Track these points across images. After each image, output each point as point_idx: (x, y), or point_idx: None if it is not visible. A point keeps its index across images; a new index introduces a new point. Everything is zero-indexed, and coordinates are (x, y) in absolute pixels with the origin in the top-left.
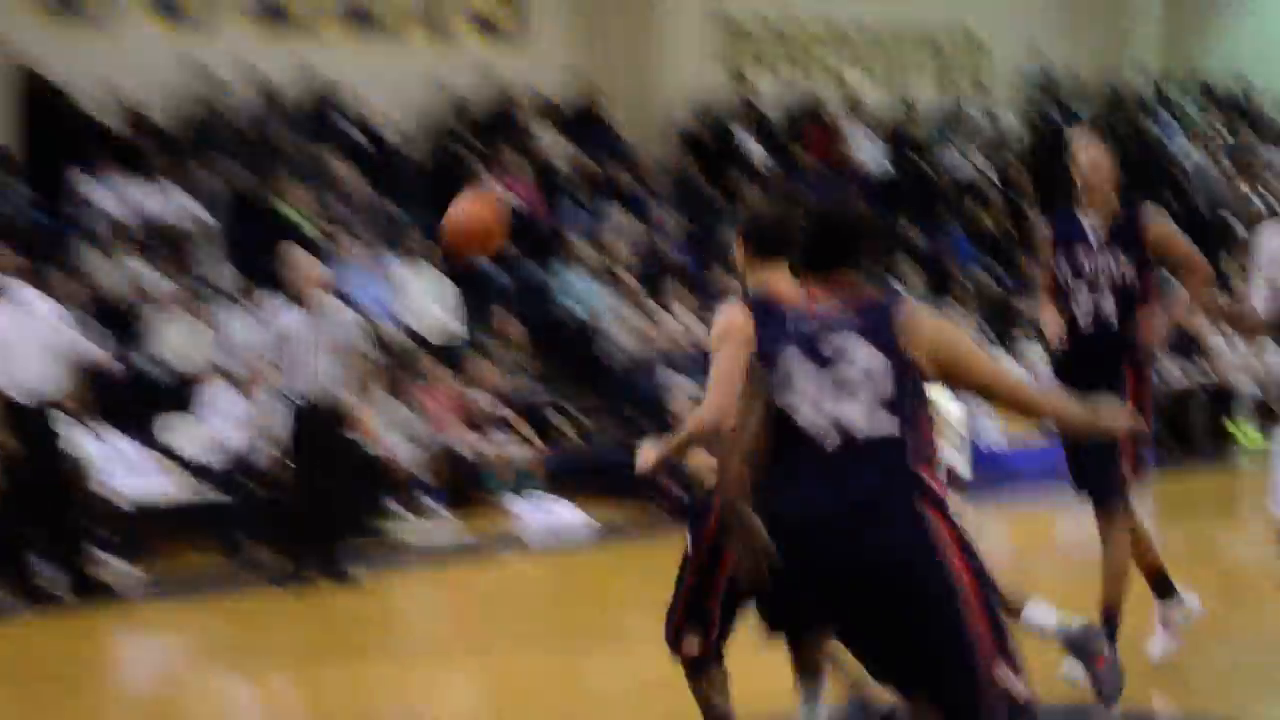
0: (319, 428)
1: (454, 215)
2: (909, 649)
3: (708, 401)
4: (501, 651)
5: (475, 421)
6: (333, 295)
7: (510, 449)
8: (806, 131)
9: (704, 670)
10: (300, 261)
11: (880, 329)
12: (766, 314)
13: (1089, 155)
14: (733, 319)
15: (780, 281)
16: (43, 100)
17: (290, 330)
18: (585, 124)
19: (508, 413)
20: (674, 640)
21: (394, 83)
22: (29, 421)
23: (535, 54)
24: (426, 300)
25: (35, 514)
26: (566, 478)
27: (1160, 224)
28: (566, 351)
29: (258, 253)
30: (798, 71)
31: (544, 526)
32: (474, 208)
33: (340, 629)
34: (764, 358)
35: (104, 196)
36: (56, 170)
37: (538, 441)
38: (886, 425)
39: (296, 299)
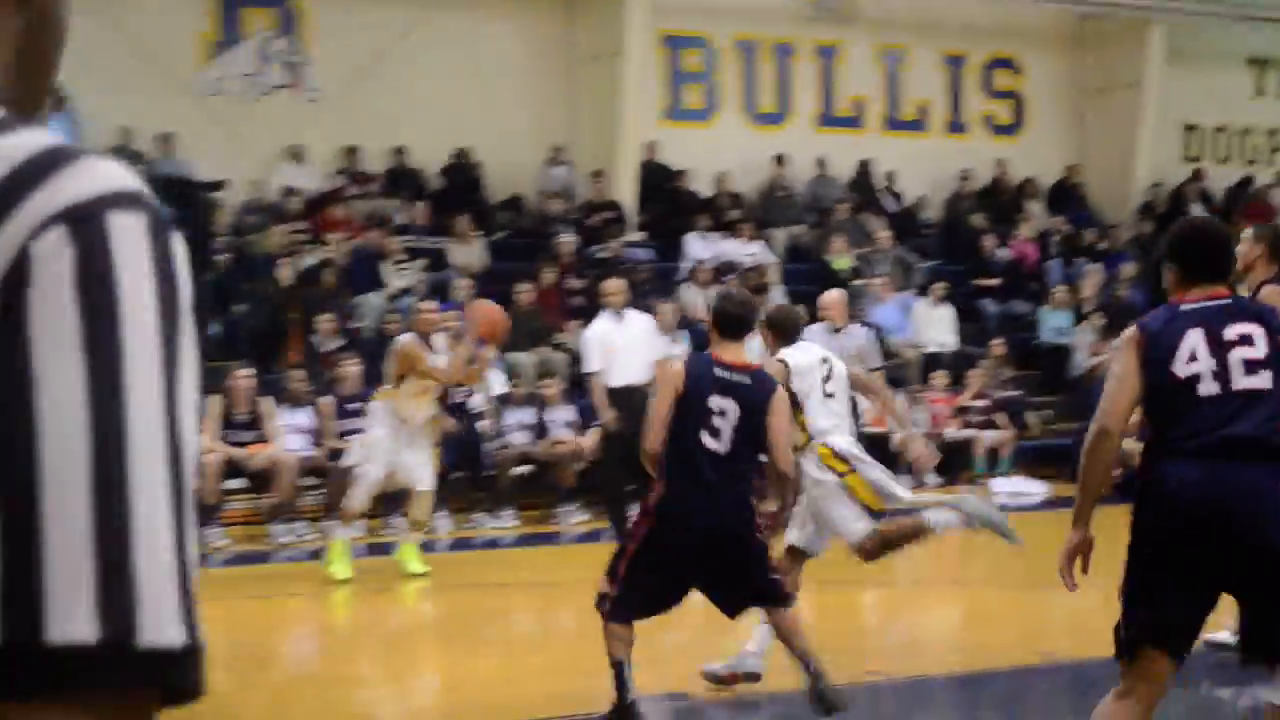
0: None
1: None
2: None
3: (647, 431)
4: (974, 584)
5: (966, 416)
6: (857, 319)
7: (991, 437)
8: (1245, 205)
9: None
10: (831, 296)
11: (1265, 319)
12: (704, 368)
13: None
14: (669, 369)
15: (727, 352)
16: (659, 177)
17: (820, 344)
18: (1068, 198)
19: (992, 410)
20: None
21: (919, 165)
22: (629, 403)
23: (1031, 144)
24: (935, 324)
25: (629, 471)
26: (1032, 460)
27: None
28: (1041, 366)
29: (806, 287)
30: (1241, 161)
31: (1013, 496)
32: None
33: (843, 563)
34: (1158, 338)
35: (700, 247)
36: (668, 230)
37: (1012, 431)
38: (1271, 387)
39: (825, 321)
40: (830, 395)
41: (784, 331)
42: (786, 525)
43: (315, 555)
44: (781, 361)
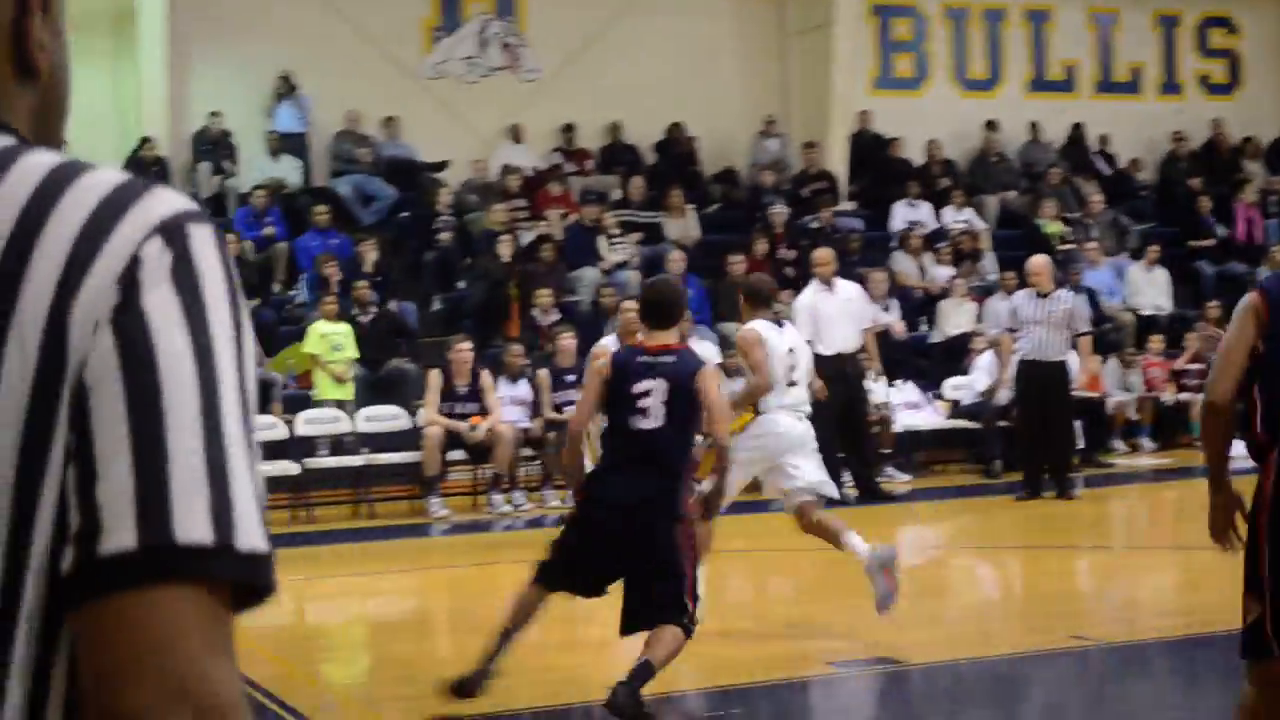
0: (1046, 380)
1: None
2: None
3: (575, 411)
4: (1191, 547)
5: (1182, 380)
6: (1065, 284)
7: None
8: None
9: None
10: (1036, 261)
11: None
12: (629, 356)
13: None
14: (598, 362)
15: (653, 340)
16: (870, 146)
17: (1024, 310)
18: None
19: (1208, 373)
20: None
21: (1133, 127)
22: (839, 371)
23: (1248, 103)
24: (1149, 287)
25: (841, 437)
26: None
27: None
28: None
29: (1016, 253)
30: None
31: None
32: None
33: (1057, 529)
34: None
35: (911, 215)
36: (879, 199)
37: None
38: None
39: (1031, 287)
40: (793, 383)
41: (755, 300)
42: (719, 508)
43: (533, 524)
44: (753, 330)
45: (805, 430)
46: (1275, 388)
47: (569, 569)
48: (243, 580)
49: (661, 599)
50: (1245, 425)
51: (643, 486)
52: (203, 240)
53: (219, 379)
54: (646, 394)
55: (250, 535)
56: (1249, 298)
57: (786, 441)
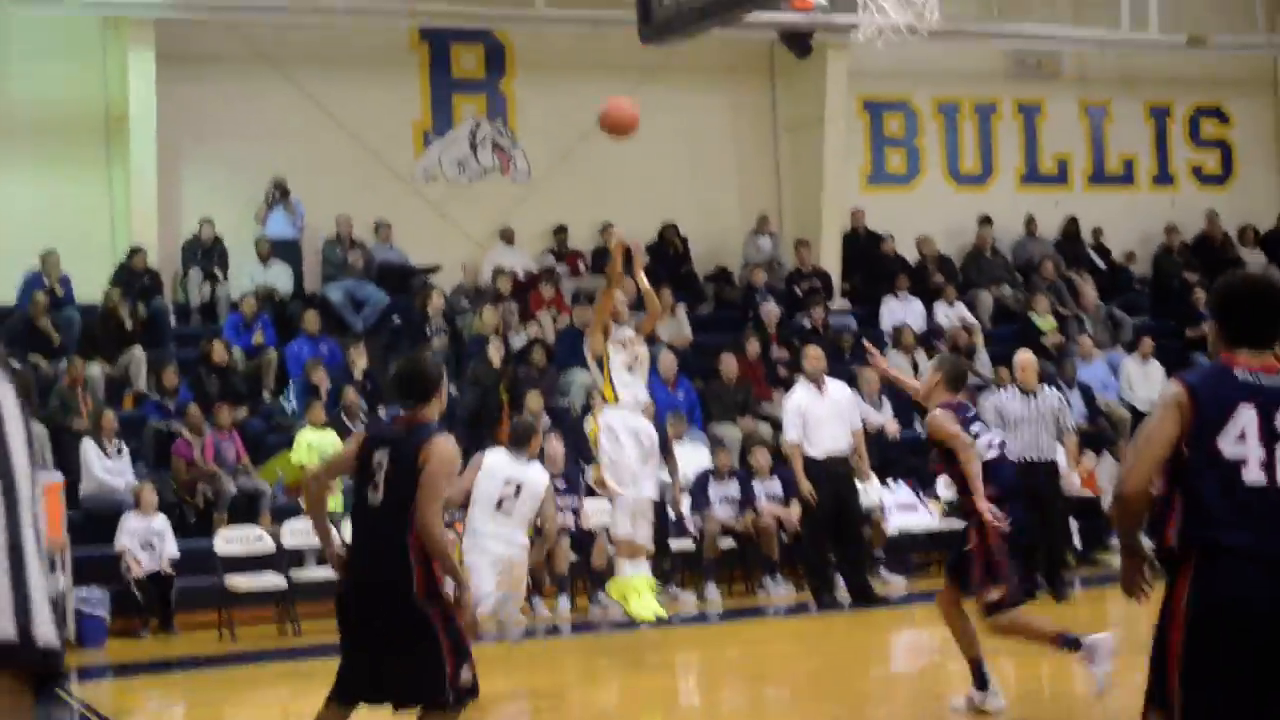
0: (1037, 480)
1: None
2: None
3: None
4: None
5: None
6: (1053, 381)
7: None
8: None
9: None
10: (1023, 358)
11: None
12: (382, 430)
13: None
14: (357, 434)
15: (406, 412)
16: (862, 241)
17: (1010, 409)
18: None
19: None
20: None
21: (1126, 218)
22: (829, 473)
23: (1242, 193)
24: (1144, 381)
25: (832, 539)
26: None
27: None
28: None
29: (1010, 348)
30: None
31: None
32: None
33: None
34: (1208, 404)
35: (899, 312)
36: (873, 294)
37: None
38: None
39: (1019, 385)
40: (504, 511)
41: (513, 438)
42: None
43: (528, 635)
44: (477, 457)
45: (504, 555)
46: (1197, 497)
47: (343, 674)
48: (40, 670)
49: (410, 674)
50: (1159, 533)
51: (375, 560)
52: (5, 393)
53: (19, 507)
54: (380, 465)
55: (46, 633)
56: (1174, 391)
57: (492, 560)
